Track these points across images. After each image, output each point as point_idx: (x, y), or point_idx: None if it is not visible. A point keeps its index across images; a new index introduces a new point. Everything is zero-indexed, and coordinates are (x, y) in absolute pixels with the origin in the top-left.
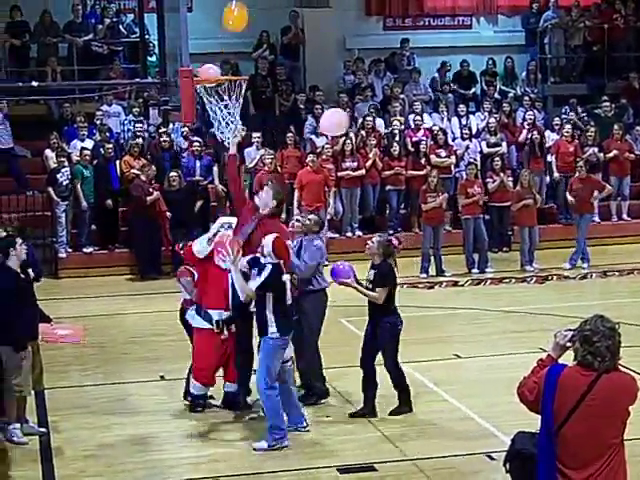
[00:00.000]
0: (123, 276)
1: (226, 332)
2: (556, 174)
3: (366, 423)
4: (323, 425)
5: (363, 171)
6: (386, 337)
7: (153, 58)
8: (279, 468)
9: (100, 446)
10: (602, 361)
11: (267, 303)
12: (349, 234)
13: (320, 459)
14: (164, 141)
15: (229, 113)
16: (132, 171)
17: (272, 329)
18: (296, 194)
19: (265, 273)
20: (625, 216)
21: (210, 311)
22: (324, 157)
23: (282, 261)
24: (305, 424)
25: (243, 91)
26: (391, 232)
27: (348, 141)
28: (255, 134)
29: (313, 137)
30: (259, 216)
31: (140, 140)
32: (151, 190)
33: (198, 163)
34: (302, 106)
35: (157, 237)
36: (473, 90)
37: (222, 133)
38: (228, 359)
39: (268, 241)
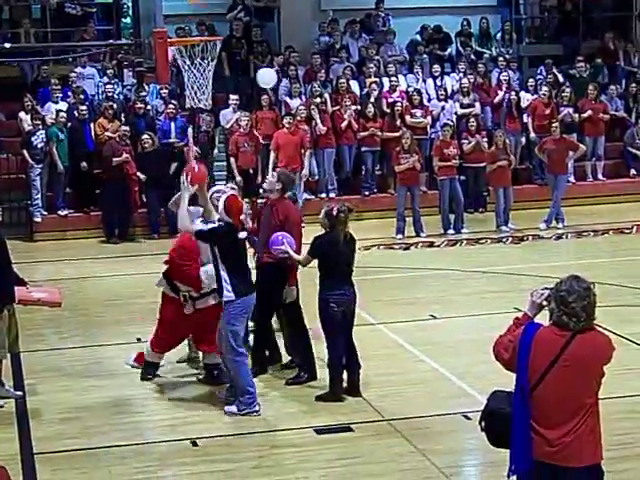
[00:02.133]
0: (98, 239)
1: (191, 308)
2: (532, 134)
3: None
4: (300, 386)
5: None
6: (320, 313)
7: (127, 20)
8: (256, 429)
9: (76, 409)
10: (577, 321)
11: (220, 262)
12: (324, 195)
13: (297, 420)
14: (139, 107)
15: (202, 75)
16: (106, 134)
17: (227, 291)
18: (272, 155)
19: (212, 225)
20: (600, 176)
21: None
22: (299, 118)
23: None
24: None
25: (217, 52)
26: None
27: (312, 106)
28: (232, 96)
29: (287, 99)
30: (271, 202)
31: (113, 103)
32: (122, 152)
33: (173, 125)
34: (277, 68)
35: (126, 200)
36: (449, 51)
37: (195, 95)
38: (204, 331)
39: (222, 199)
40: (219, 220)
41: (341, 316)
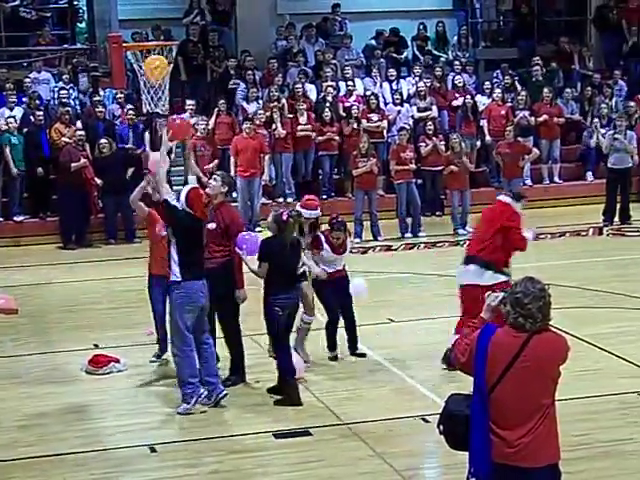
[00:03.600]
0: (55, 244)
1: None
2: (488, 138)
3: (302, 388)
4: (259, 391)
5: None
6: (265, 316)
7: (82, 24)
8: (215, 434)
9: (35, 416)
10: (533, 322)
11: (173, 243)
12: (281, 200)
13: (255, 425)
14: (99, 112)
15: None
16: (63, 139)
17: (174, 273)
18: (232, 161)
19: (176, 203)
20: (556, 179)
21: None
22: (257, 123)
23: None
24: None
25: (173, 57)
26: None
27: (274, 109)
28: (189, 101)
29: (244, 103)
30: (214, 206)
31: (69, 108)
32: (80, 157)
33: (131, 130)
34: (233, 72)
35: (84, 205)
36: (405, 55)
37: (151, 100)
38: None
39: (184, 192)
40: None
41: (286, 319)
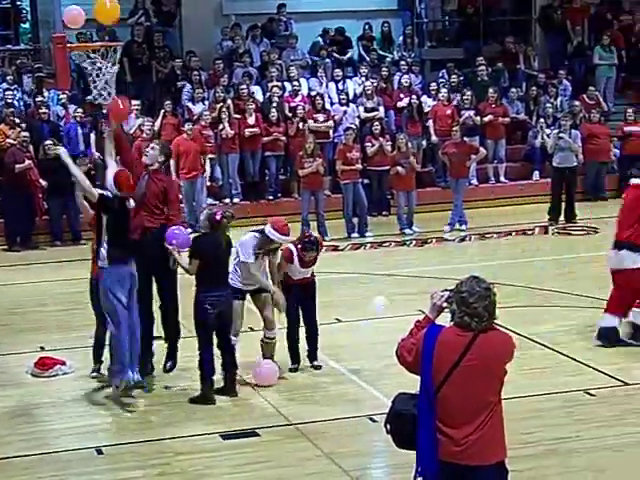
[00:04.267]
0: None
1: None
2: (434, 138)
3: (249, 390)
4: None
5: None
6: (194, 314)
7: (26, 25)
8: (162, 436)
9: None
10: (479, 321)
11: (103, 229)
12: (227, 200)
13: (202, 426)
14: (43, 113)
15: (103, 79)
16: (8, 140)
17: (102, 258)
18: (172, 162)
19: (102, 192)
20: (502, 178)
21: None
22: (203, 124)
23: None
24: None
25: (118, 57)
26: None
27: (223, 109)
28: (134, 102)
29: (190, 104)
30: (149, 171)
31: (13, 109)
32: (24, 158)
33: (80, 131)
34: (179, 73)
35: (29, 207)
36: (350, 55)
37: (97, 100)
38: None
39: (109, 174)
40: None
41: (214, 318)
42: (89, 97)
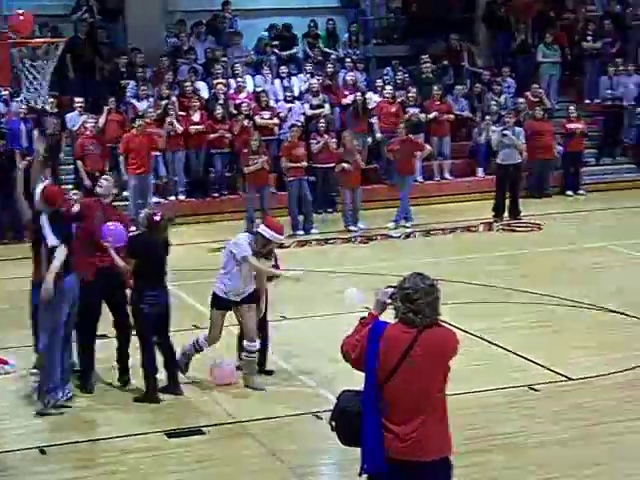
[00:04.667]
0: None
1: None
2: (379, 135)
3: (194, 387)
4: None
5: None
6: (132, 314)
7: None
8: (107, 435)
9: None
10: (423, 317)
11: (43, 244)
12: (173, 198)
13: (147, 424)
14: None
15: (36, 77)
16: None
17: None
18: (121, 159)
19: (46, 227)
20: (447, 175)
21: None
22: (148, 121)
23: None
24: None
25: (58, 53)
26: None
27: (170, 105)
28: (77, 99)
29: (134, 101)
30: (105, 204)
31: None
32: None
33: (23, 127)
34: (124, 69)
35: None
36: (295, 51)
37: (30, 96)
38: None
39: (37, 192)
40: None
41: (153, 318)
42: (22, 96)
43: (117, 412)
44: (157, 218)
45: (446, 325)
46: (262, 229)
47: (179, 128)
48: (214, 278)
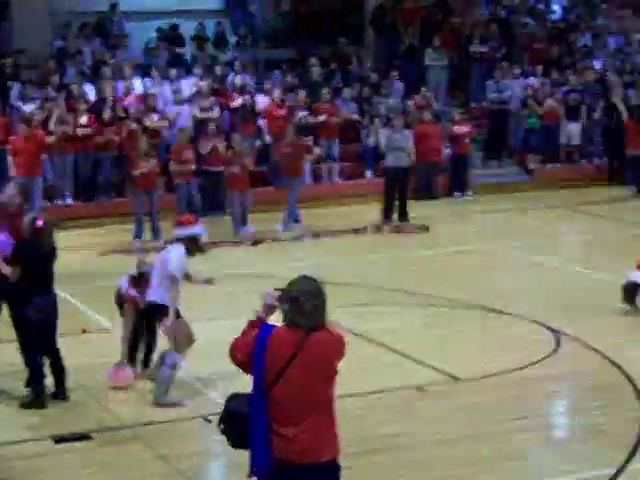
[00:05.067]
0: None
1: None
2: (268, 138)
3: (83, 392)
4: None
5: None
6: (18, 319)
7: None
8: None
9: None
10: (310, 320)
11: None
12: (60, 202)
13: (34, 430)
14: None
15: None
16: None
17: None
18: (9, 159)
19: None
20: (336, 178)
21: None
22: (34, 123)
23: None
24: None
25: None
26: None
27: (57, 108)
28: None
29: (20, 103)
30: (10, 212)
31: None
32: None
33: None
34: (9, 71)
35: None
36: (184, 54)
37: None
38: None
39: None
40: None
41: (39, 323)
42: None
43: (2, 418)
44: (40, 223)
45: (334, 327)
46: (179, 232)
47: (66, 131)
48: (103, 282)
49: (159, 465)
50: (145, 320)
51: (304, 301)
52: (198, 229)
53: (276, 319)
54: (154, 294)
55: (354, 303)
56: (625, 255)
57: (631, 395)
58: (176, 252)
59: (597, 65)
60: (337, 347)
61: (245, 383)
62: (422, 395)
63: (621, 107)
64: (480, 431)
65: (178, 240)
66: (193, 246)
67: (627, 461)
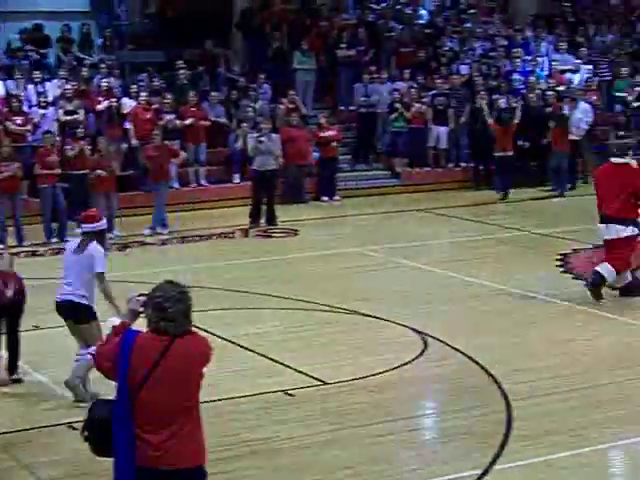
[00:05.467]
0: None
1: None
2: (134, 141)
3: None
4: None
5: None
6: None
7: None
8: None
9: None
10: (175, 325)
11: None
12: None
13: None
14: None
15: None
16: None
17: None
18: None
19: None
20: (203, 182)
21: None
22: None
23: None
24: None
25: None
26: None
27: None
28: None
29: None
30: None
31: None
32: None
33: None
34: None
35: None
36: (49, 56)
37: None
38: None
39: None
40: None
41: None
42: None
43: None
44: None
45: (200, 332)
46: (85, 228)
47: None
48: None
49: (22, 474)
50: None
51: (169, 306)
52: (104, 224)
53: (141, 325)
54: (71, 294)
55: (222, 307)
56: (489, 258)
57: (496, 396)
58: (95, 249)
59: (463, 70)
60: (202, 352)
61: (111, 389)
62: (291, 399)
63: (486, 111)
64: (348, 435)
65: (86, 235)
66: (102, 241)
67: (493, 462)
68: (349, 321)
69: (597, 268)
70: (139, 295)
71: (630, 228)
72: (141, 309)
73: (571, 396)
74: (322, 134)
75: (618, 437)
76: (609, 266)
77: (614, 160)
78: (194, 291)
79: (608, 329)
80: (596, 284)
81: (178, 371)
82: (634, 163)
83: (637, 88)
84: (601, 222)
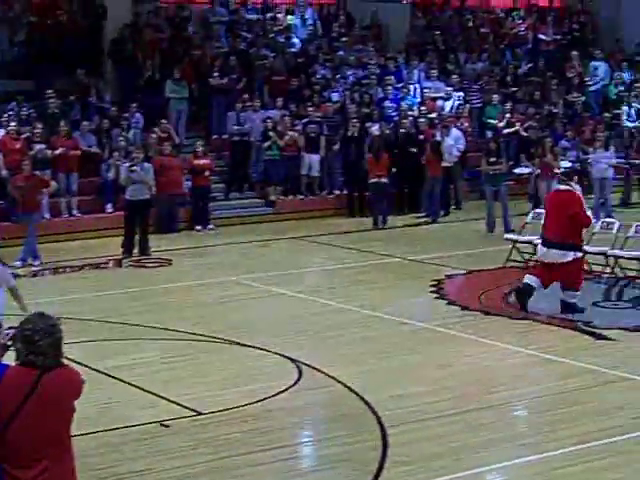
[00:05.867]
0: None
1: None
2: (4, 172)
3: None
4: None
5: None
6: None
7: None
8: None
9: None
10: (44, 359)
11: None
12: None
13: None
14: None
15: None
16: None
17: None
18: None
19: None
20: (75, 212)
21: None
22: None
23: None
24: None
25: None
26: None
27: None
28: None
29: None
30: None
31: None
32: None
33: None
34: None
35: None
36: None
37: None
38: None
39: None
40: None
41: None
42: None
43: None
44: None
45: (71, 365)
46: None
47: None
48: None
49: None
50: None
51: (38, 339)
52: None
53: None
54: None
55: (95, 339)
56: (363, 285)
57: (372, 422)
58: None
59: (336, 97)
60: (73, 385)
61: None
62: (165, 430)
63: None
64: (224, 465)
65: None
66: None
67: None
68: (224, 350)
69: (527, 279)
70: (8, 328)
71: (571, 253)
72: (9, 343)
73: (449, 420)
74: (196, 161)
75: (498, 459)
76: (538, 280)
77: (559, 187)
78: (66, 322)
79: (485, 353)
80: (523, 291)
81: (49, 405)
82: (578, 189)
83: (507, 115)
84: (542, 245)
